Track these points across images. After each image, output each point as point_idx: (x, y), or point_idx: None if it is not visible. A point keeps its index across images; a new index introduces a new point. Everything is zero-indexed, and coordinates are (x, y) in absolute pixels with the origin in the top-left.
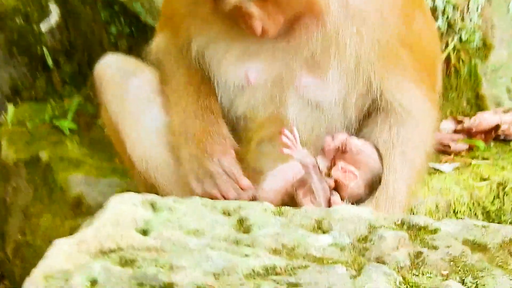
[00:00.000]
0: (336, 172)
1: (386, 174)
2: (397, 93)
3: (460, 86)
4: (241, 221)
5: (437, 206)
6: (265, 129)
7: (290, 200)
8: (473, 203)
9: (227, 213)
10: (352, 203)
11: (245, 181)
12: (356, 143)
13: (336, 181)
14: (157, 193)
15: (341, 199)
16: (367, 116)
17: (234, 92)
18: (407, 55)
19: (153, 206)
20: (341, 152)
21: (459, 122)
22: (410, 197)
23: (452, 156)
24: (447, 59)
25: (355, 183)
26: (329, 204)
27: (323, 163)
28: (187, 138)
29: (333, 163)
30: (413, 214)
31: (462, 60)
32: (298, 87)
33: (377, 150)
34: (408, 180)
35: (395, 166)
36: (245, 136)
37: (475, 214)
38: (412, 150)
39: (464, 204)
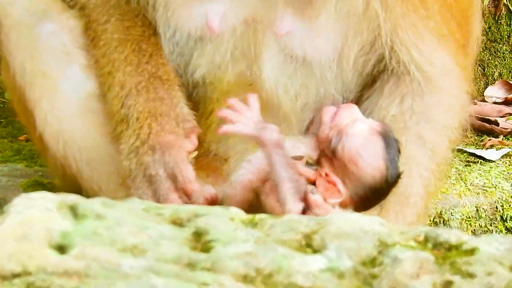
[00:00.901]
0: (319, 180)
1: None
2: (414, 50)
3: None
4: (197, 235)
5: (477, 210)
6: (232, 98)
7: (257, 200)
8: None
9: (178, 223)
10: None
11: (191, 185)
12: (353, 143)
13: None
14: (79, 189)
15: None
16: (372, 82)
17: (189, 46)
18: None
19: (74, 211)
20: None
21: None
22: (428, 198)
23: (500, 138)
24: None
25: (338, 201)
26: (306, 204)
27: (308, 147)
28: (128, 125)
29: (320, 157)
30: (444, 223)
31: None
32: (279, 35)
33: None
34: (426, 175)
35: (408, 154)
36: (204, 109)
37: None
38: (432, 132)
39: None
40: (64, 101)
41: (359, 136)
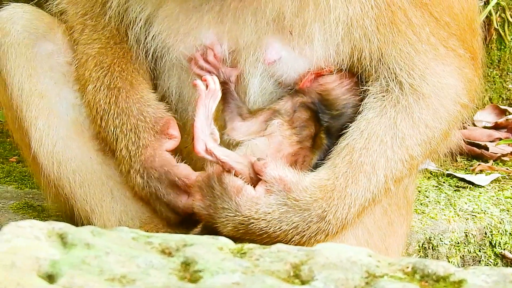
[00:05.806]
0: None
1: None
2: (403, 75)
3: (505, 60)
4: (186, 265)
5: (466, 235)
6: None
7: None
8: None
9: (167, 252)
10: None
11: (190, 179)
12: None
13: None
14: (72, 210)
15: None
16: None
17: (176, 72)
18: (420, 19)
19: (63, 239)
20: None
21: (502, 112)
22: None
23: (490, 163)
24: (487, 22)
25: None
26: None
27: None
28: (112, 150)
29: None
30: (432, 248)
31: (509, 23)
32: (267, 63)
33: None
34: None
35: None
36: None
37: None
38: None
39: (506, 233)
40: (59, 121)
41: None
